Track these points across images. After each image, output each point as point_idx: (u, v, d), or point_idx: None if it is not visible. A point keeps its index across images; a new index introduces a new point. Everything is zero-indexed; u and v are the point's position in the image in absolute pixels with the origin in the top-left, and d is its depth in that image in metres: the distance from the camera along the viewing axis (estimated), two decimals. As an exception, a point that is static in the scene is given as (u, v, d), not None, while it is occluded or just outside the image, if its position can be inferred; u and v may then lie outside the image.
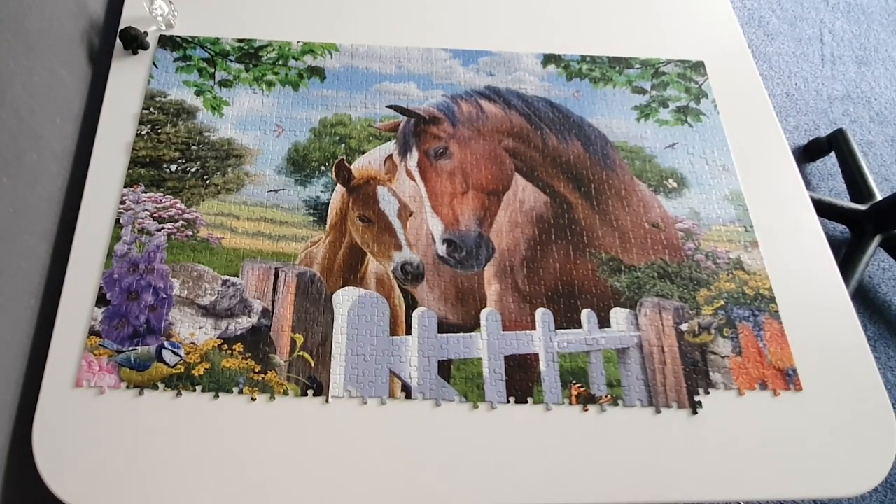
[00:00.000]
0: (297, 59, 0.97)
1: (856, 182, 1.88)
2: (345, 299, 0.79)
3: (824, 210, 1.82)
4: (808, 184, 1.96)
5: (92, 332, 0.74)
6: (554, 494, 0.70)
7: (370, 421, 0.73)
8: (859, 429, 0.76)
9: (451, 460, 0.71)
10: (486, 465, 0.71)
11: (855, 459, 0.75)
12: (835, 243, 1.84)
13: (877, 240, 1.75)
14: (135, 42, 0.92)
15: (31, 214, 0.73)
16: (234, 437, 0.70)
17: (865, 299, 1.79)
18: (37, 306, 0.75)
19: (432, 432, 0.73)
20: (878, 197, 1.81)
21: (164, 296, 0.77)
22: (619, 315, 0.81)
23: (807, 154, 2.02)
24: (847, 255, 1.76)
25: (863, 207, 1.80)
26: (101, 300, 0.76)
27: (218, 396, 0.72)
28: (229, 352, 0.74)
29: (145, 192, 0.83)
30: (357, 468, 0.70)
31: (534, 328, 0.79)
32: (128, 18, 0.97)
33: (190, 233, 0.82)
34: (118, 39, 0.93)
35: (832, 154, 1.99)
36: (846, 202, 1.83)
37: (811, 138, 2.02)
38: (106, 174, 0.84)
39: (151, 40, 0.96)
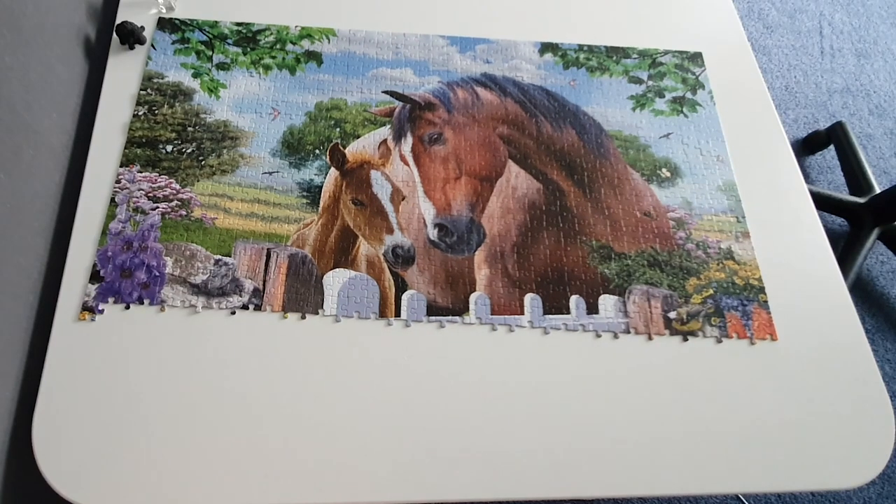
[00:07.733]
0: (294, 44, 0.98)
1: (855, 175, 1.88)
2: (335, 281, 0.79)
3: (823, 203, 1.82)
4: (806, 177, 1.96)
5: (84, 308, 0.74)
6: (546, 489, 0.70)
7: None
8: (857, 421, 0.77)
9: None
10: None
11: (852, 451, 0.75)
12: (833, 236, 1.85)
13: (875, 233, 1.75)
14: (131, 37, 0.92)
15: (28, 210, 0.73)
16: (235, 432, 0.71)
17: (864, 292, 1.80)
18: (35, 302, 0.75)
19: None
20: (877, 190, 1.82)
21: (157, 273, 0.78)
22: (607, 302, 0.82)
23: (806, 147, 2.02)
24: (846, 248, 1.77)
25: (861, 200, 1.80)
26: (94, 277, 0.77)
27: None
28: (221, 330, 0.75)
29: (141, 172, 0.84)
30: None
31: (522, 313, 0.80)
32: (126, 5, 0.97)
33: (184, 212, 0.82)
34: (115, 34, 0.93)
35: (831, 147, 2.00)
36: (845, 195, 1.84)
37: (810, 131, 2.03)
38: (102, 154, 0.85)
39: (150, 25, 0.96)
